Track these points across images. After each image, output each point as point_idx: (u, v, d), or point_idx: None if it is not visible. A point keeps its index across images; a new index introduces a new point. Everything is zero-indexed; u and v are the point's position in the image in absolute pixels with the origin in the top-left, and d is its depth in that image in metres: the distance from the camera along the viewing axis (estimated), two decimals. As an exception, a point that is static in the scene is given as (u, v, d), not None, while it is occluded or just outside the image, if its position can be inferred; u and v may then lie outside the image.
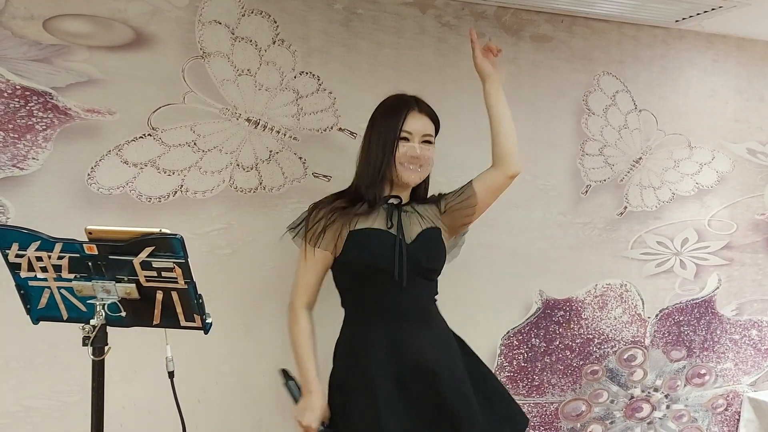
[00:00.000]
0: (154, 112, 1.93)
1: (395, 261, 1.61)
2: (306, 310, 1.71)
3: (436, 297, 1.78)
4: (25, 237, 1.18)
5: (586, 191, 2.49)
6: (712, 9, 2.28)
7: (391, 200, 1.71)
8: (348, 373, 1.68)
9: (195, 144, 1.98)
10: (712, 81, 2.63)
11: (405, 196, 1.74)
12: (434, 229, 1.73)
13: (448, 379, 1.65)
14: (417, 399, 1.62)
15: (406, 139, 1.66)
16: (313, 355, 1.67)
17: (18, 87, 1.80)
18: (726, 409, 2.83)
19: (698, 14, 2.34)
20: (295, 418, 1.63)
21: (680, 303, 2.68)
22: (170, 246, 1.16)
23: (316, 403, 1.62)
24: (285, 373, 1.69)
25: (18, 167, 1.82)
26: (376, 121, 1.70)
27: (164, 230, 1.16)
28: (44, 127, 1.83)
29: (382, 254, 1.62)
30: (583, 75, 2.44)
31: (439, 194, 1.83)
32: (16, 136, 1.81)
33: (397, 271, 1.61)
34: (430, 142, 1.70)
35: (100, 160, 1.89)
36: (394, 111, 1.68)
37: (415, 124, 1.67)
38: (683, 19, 2.41)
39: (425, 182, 1.79)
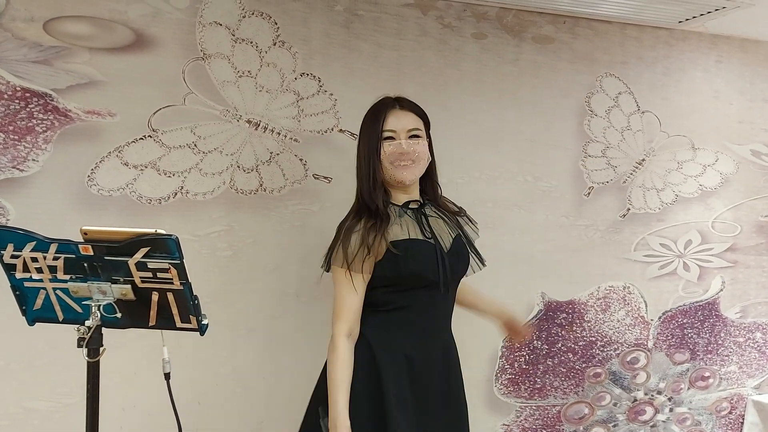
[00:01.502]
0: (154, 113, 1.93)
1: (440, 271, 1.61)
2: (347, 339, 1.59)
3: None
4: (21, 238, 1.18)
5: (589, 193, 2.48)
6: (716, 10, 2.27)
7: (411, 205, 1.67)
8: (390, 380, 1.61)
9: (195, 145, 1.98)
10: (715, 82, 2.62)
11: (417, 195, 1.70)
12: (459, 236, 1.72)
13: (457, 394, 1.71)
14: (436, 412, 1.65)
15: (392, 138, 1.62)
16: (346, 389, 1.55)
17: (18, 89, 1.81)
18: (730, 413, 2.80)
19: (701, 15, 2.33)
20: None
21: (684, 305, 2.66)
22: (165, 246, 1.16)
23: None
24: (323, 411, 1.58)
25: (18, 169, 1.82)
26: (362, 131, 1.68)
27: (159, 231, 1.16)
28: (44, 128, 1.84)
29: (427, 265, 1.60)
30: (585, 76, 2.43)
31: (461, 209, 1.82)
32: (17, 137, 1.81)
33: (442, 282, 1.61)
34: (418, 136, 1.64)
35: (100, 162, 1.89)
36: (374, 115, 1.65)
37: (397, 121, 1.63)
38: (686, 20, 2.40)
39: (433, 181, 1.74)
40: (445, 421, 1.65)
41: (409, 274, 1.59)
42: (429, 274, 1.60)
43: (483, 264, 1.78)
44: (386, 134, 1.63)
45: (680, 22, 2.43)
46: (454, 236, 1.69)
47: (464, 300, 1.85)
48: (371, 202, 1.62)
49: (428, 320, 1.66)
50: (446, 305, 1.71)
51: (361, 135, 1.68)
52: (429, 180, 1.74)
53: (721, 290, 2.71)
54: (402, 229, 1.62)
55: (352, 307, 1.59)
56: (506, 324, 1.90)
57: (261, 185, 2.07)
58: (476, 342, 2.37)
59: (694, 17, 2.36)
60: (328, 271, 1.66)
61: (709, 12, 2.30)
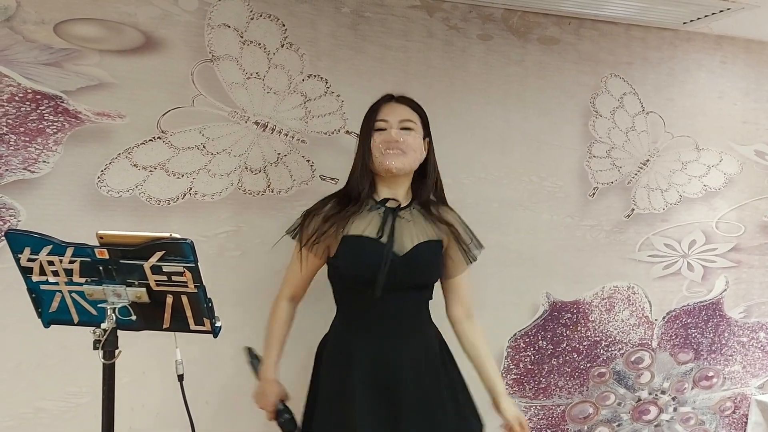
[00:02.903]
0: (163, 115, 1.95)
1: (380, 274, 1.57)
2: (288, 301, 1.75)
3: (428, 303, 1.75)
4: (37, 241, 1.19)
5: (594, 193, 2.49)
6: (720, 11, 2.27)
7: (389, 203, 1.66)
8: (326, 375, 1.70)
9: (204, 147, 2.00)
10: (720, 83, 2.63)
11: (402, 195, 1.68)
12: (431, 242, 1.66)
13: (413, 397, 1.63)
14: (387, 413, 1.61)
15: (383, 129, 1.64)
16: (280, 346, 1.73)
17: (29, 91, 1.82)
18: (734, 412, 2.82)
19: (706, 16, 2.34)
20: (253, 399, 1.73)
21: (688, 305, 2.67)
22: (181, 250, 1.17)
23: (270, 389, 1.68)
24: (249, 352, 1.76)
25: (29, 170, 1.83)
26: (361, 125, 1.72)
27: (174, 235, 1.17)
28: (55, 130, 1.85)
29: (369, 265, 1.58)
30: (590, 77, 2.44)
31: (451, 209, 1.78)
32: (27, 139, 1.83)
33: (379, 286, 1.57)
34: (410, 128, 1.65)
35: (109, 163, 1.91)
36: (371, 109, 1.70)
37: (389, 112, 1.66)
38: (691, 21, 2.40)
39: (428, 183, 1.72)
40: (411, 422, 1.61)
41: (346, 268, 1.62)
42: (364, 273, 1.59)
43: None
44: (378, 125, 1.65)
45: (685, 23, 2.44)
46: (419, 242, 1.64)
47: (468, 352, 1.79)
48: (354, 189, 1.65)
49: (369, 320, 1.64)
50: (404, 307, 1.66)
51: (360, 130, 1.72)
52: (422, 181, 1.72)
53: (725, 290, 2.73)
54: (362, 225, 1.63)
55: (297, 277, 1.73)
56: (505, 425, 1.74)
57: (269, 186, 2.08)
58: (482, 342, 2.38)
59: (699, 18, 2.37)
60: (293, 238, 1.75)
61: (714, 13, 2.30)
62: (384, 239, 1.60)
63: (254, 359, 1.75)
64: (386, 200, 1.67)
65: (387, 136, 1.62)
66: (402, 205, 1.68)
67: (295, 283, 1.75)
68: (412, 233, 1.65)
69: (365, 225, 1.63)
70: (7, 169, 1.81)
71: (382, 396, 1.61)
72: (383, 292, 1.58)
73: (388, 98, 1.70)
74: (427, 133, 1.72)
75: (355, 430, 1.57)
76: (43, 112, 1.84)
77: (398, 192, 1.69)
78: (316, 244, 1.64)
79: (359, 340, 1.65)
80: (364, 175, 1.65)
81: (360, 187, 1.64)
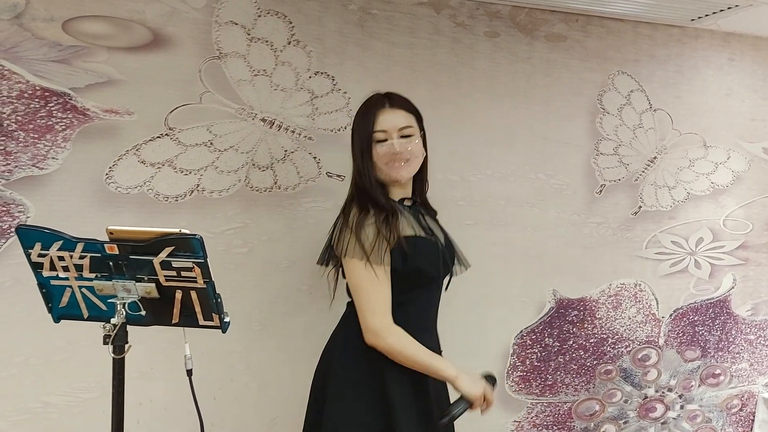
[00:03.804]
0: (171, 112, 1.95)
1: (441, 268, 1.65)
2: (395, 326, 1.57)
3: None
4: (48, 237, 1.20)
5: (601, 191, 2.49)
6: (728, 8, 2.27)
7: (406, 202, 1.69)
8: (397, 382, 1.61)
9: (211, 144, 2.00)
10: (728, 80, 2.62)
11: (409, 192, 1.71)
12: (447, 234, 1.76)
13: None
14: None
15: (384, 140, 1.61)
16: (433, 354, 1.60)
17: (38, 88, 1.83)
18: (741, 410, 2.81)
19: (714, 13, 2.33)
20: (471, 398, 1.58)
21: (695, 303, 2.67)
22: (190, 246, 1.18)
23: (470, 376, 1.60)
24: (447, 418, 1.60)
25: (38, 167, 1.84)
26: (354, 128, 1.67)
27: (184, 230, 1.18)
28: (63, 127, 1.86)
29: (431, 261, 1.63)
30: (597, 74, 2.44)
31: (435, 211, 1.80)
32: (36, 136, 1.84)
33: (444, 280, 1.67)
34: (410, 135, 1.62)
35: (118, 160, 1.91)
36: (364, 114, 1.64)
37: (387, 120, 1.61)
38: (699, 18, 2.40)
39: (425, 180, 1.74)
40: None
41: (414, 270, 1.60)
42: (432, 270, 1.63)
43: (466, 266, 1.80)
44: (377, 136, 1.61)
45: (693, 20, 2.43)
46: (444, 233, 1.74)
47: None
48: (380, 200, 1.62)
49: (424, 317, 1.69)
50: (436, 306, 1.74)
51: (353, 132, 1.67)
52: (421, 178, 1.73)
53: (733, 288, 2.72)
54: (406, 225, 1.62)
55: (384, 296, 1.55)
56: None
57: (275, 183, 2.09)
58: (487, 339, 2.39)
59: (707, 15, 2.36)
60: (325, 265, 1.71)
61: (721, 10, 2.30)
62: (432, 236, 1.66)
63: (457, 406, 1.60)
64: (403, 199, 1.69)
65: (390, 149, 1.60)
66: (414, 202, 1.72)
67: (387, 303, 1.56)
68: (436, 227, 1.72)
69: (409, 225, 1.63)
70: (16, 166, 1.82)
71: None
72: (440, 286, 1.67)
73: (381, 103, 1.64)
74: (420, 128, 1.70)
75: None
76: (52, 109, 1.85)
77: (407, 190, 1.71)
78: (387, 248, 1.56)
79: (423, 338, 1.63)
80: (375, 185, 1.63)
81: (377, 198, 1.62)
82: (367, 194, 1.61)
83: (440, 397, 1.69)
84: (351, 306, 1.67)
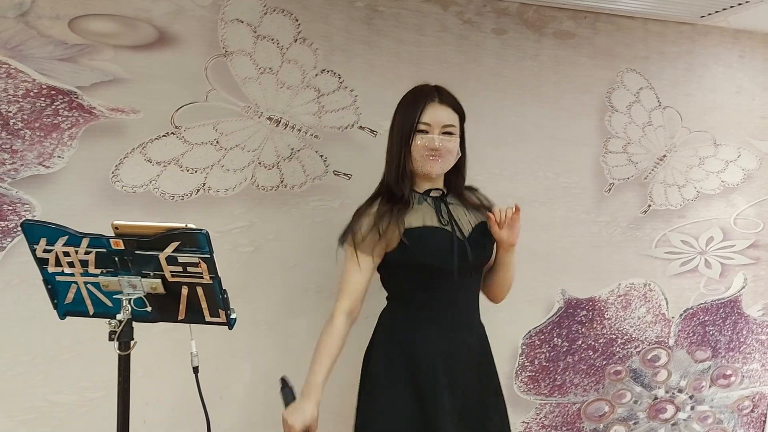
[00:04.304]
0: (177, 110, 1.95)
1: (455, 259, 1.61)
2: (345, 316, 1.62)
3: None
4: (53, 232, 1.19)
5: (610, 189, 2.46)
6: (739, 4, 2.24)
7: (433, 193, 1.68)
8: (383, 371, 1.65)
9: (217, 142, 1.99)
10: (738, 77, 2.59)
11: (441, 185, 1.71)
12: (483, 223, 1.71)
13: (476, 393, 1.68)
14: (464, 405, 1.64)
15: (425, 132, 1.62)
16: (330, 362, 1.58)
17: (44, 86, 1.82)
18: (752, 411, 2.78)
19: (724, 9, 2.30)
20: (282, 415, 1.55)
21: (705, 303, 2.64)
22: (196, 241, 1.16)
23: (309, 410, 1.52)
24: (283, 381, 1.61)
25: (44, 165, 1.84)
26: (397, 114, 1.68)
27: (190, 225, 1.17)
28: (69, 125, 1.85)
29: (441, 253, 1.61)
30: (606, 72, 2.41)
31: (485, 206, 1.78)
32: (42, 134, 1.83)
33: (457, 270, 1.61)
34: (451, 134, 1.64)
35: (124, 159, 1.91)
36: (412, 103, 1.65)
37: (434, 115, 1.62)
38: (709, 14, 2.37)
39: (461, 174, 1.74)
40: (474, 414, 1.64)
41: (419, 263, 1.60)
42: (440, 263, 1.61)
43: (483, 261, 1.75)
44: (421, 126, 1.62)
45: (702, 17, 2.41)
46: (475, 223, 1.70)
47: (488, 283, 1.80)
48: (397, 189, 1.64)
49: (434, 309, 1.66)
50: (468, 295, 1.70)
51: (395, 120, 1.68)
52: (457, 172, 1.73)
53: (744, 287, 2.69)
54: (418, 217, 1.63)
55: (356, 285, 1.62)
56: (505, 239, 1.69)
57: (282, 181, 2.08)
58: (496, 339, 2.34)
59: (717, 12, 2.34)
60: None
61: (731, 6, 2.27)
62: (448, 226, 1.64)
63: (287, 389, 1.59)
64: (429, 191, 1.69)
65: (430, 142, 1.61)
66: (445, 193, 1.71)
67: (353, 293, 1.63)
68: (466, 216, 1.70)
69: (421, 218, 1.64)
70: (22, 164, 1.82)
71: (449, 390, 1.63)
72: (454, 277, 1.61)
73: (431, 94, 1.65)
74: (461, 127, 1.71)
75: (434, 428, 1.57)
76: (58, 107, 1.84)
77: (437, 183, 1.71)
78: (378, 240, 1.60)
79: (426, 333, 1.64)
80: (405, 175, 1.64)
81: (403, 189, 1.64)
82: (392, 185, 1.64)
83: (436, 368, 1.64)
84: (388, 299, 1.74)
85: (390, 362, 1.64)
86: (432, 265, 1.61)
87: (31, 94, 1.81)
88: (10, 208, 1.82)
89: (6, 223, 1.82)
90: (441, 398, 1.59)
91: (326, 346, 1.59)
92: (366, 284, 1.64)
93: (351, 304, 1.63)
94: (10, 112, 1.80)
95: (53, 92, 1.83)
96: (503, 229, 1.65)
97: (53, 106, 1.84)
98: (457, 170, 1.72)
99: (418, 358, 1.62)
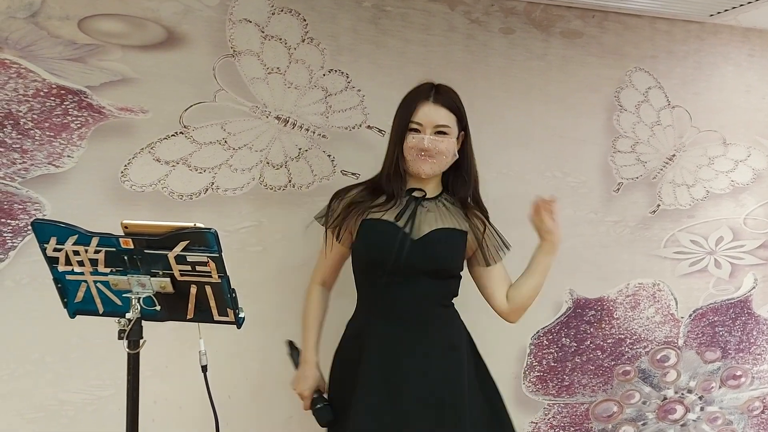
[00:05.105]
0: (185, 110, 1.95)
1: (392, 256, 1.59)
2: (320, 286, 1.80)
3: (451, 299, 1.74)
4: (63, 231, 1.20)
5: (618, 189, 2.45)
6: (748, 2, 2.23)
7: (415, 193, 1.69)
8: (341, 363, 1.74)
9: (226, 142, 2.00)
10: (747, 76, 2.58)
11: (431, 188, 1.71)
12: (452, 230, 1.67)
13: (418, 392, 1.61)
14: (387, 404, 1.59)
15: (417, 131, 1.63)
16: (317, 328, 1.76)
17: (54, 86, 1.83)
18: (762, 412, 2.76)
19: (733, 8, 2.29)
20: (290, 385, 1.75)
21: (715, 303, 2.62)
22: (205, 240, 1.17)
23: (309, 373, 1.71)
24: (290, 344, 1.81)
25: (54, 165, 1.85)
26: (396, 113, 1.70)
27: (199, 224, 1.17)
28: (79, 125, 1.86)
29: (383, 247, 1.61)
30: (614, 71, 2.41)
31: (485, 214, 1.78)
32: (52, 134, 1.84)
33: (387, 266, 1.59)
34: (444, 134, 1.64)
35: (133, 158, 1.92)
36: (408, 102, 1.66)
37: (426, 115, 1.62)
38: (718, 13, 2.36)
39: (461, 177, 1.72)
40: (414, 416, 1.59)
41: (362, 251, 1.66)
42: (377, 256, 1.61)
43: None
44: (412, 126, 1.63)
45: (711, 15, 2.39)
46: (439, 227, 1.65)
47: (517, 293, 1.76)
48: (389, 186, 1.66)
49: (384, 303, 1.65)
50: (418, 299, 1.64)
51: (394, 118, 1.70)
52: (456, 175, 1.72)
53: (754, 288, 2.67)
54: (382, 211, 1.65)
55: (327, 263, 1.78)
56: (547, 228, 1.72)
57: (290, 181, 2.08)
58: (504, 339, 2.36)
59: (726, 10, 2.32)
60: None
61: (741, 5, 2.26)
62: (401, 223, 1.63)
63: (294, 351, 1.79)
64: (413, 190, 1.69)
65: (420, 142, 1.62)
66: (428, 196, 1.70)
67: (323, 268, 1.80)
68: (431, 220, 1.67)
69: (384, 212, 1.66)
70: (32, 164, 1.83)
71: (385, 385, 1.61)
72: (395, 275, 1.60)
73: (426, 94, 1.65)
74: (462, 127, 1.70)
75: (354, 418, 1.59)
76: (68, 107, 1.85)
77: (429, 185, 1.71)
78: (337, 227, 1.68)
79: (372, 325, 1.66)
80: (397, 174, 1.66)
81: (394, 187, 1.66)
82: (383, 182, 1.67)
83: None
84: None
85: (343, 351, 1.75)
86: (369, 259, 1.64)
87: (41, 93, 1.83)
88: (21, 207, 1.83)
89: (17, 222, 1.83)
90: (365, 390, 1.60)
91: (308, 313, 1.78)
92: (333, 262, 1.78)
93: (322, 277, 1.80)
94: (21, 111, 1.81)
95: (63, 92, 1.84)
96: (546, 219, 1.67)
97: (63, 106, 1.85)
98: (457, 173, 1.71)
99: (361, 347, 1.65)
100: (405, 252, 1.60)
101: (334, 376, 1.77)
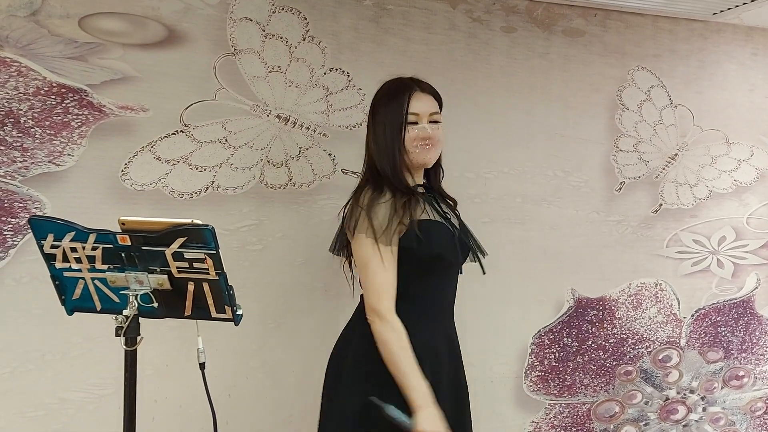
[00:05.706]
0: (186, 108, 1.95)
1: (456, 252, 1.63)
2: (396, 315, 1.52)
3: None
4: (61, 228, 1.20)
5: (620, 188, 2.45)
6: (752, 1, 2.22)
7: (419, 188, 1.67)
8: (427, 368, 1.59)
9: (226, 140, 2.00)
10: (750, 75, 2.56)
11: (421, 179, 1.71)
12: (463, 222, 1.74)
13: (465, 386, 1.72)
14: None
15: (414, 123, 1.61)
16: (416, 362, 1.49)
17: (54, 84, 1.84)
18: (765, 413, 2.74)
19: (736, 6, 2.28)
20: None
21: (717, 303, 2.61)
22: (202, 237, 1.17)
23: (437, 414, 1.46)
24: (378, 404, 1.46)
25: (54, 163, 1.85)
26: (378, 109, 1.64)
27: (196, 221, 1.17)
28: (79, 123, 1.87)
29: (447, 246, 1.62)
30: (616, 70, 2.40)
31: (456, 203, 1.79)
32: (53, 132, 1.84)
33: (461, 265, 1.65)
34: (438, 121, 1.64)
35: (133, 157, 1.92)
36: (396, 96, 1.62)
37: (421, 104, 1.61)
38: (721, 11, 2.35)
39: (440, 167, 1.74)
40: (452, 412, 1.59)
41: (428, 254, 1.57)
42: (449, 255, 1.62)
43: (483, 252, 1.74)
44: (410, 117, 1.60)
45: (714, 14, 2.38)
46: (460, 221, 1.72)
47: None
48: (401, 185, 1.59)
49: (438, 306, 1.66)
50: (453, 292, 1.70)
51: (377, 117, 1.63)
52: (436, 165, 1.72)
53: (756, 288, 2.65)
54: (423, 210, 1.62)
55: (388, 281, 1.52)
56: None
57: (290, 180, 2.08)
58: (506, 338, 2.36)
59: (729, 9, 2.32)
60: (336, 254, 1.72)
61: (744, 3, 2.25)
62: (447, 223, 1.65)
63: (389, 408, 1.45)
64: (416, 186, 1.67)
65: (422, 131, 1.60)
66: (428, 188, 1.72)
67: (391, 287, 1.53)
68: (451, 213, 1.71)
69: (421, 209, 1.62)
70: (32, 162, 1.83)
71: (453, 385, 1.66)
72: (453, 272, 1.65)
73: (411, 86, 1.63)
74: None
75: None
76: (68, 105, 1.85)
77: (420, 177, 1.71)
78: (395, 231, 1.53)
79: (436, 327, 1.63)
80: (403, 167, 1.62)
81: (405, 181, 1.62)
82: (387, 177, 1.58)
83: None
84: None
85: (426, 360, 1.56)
86: (442, 258, 1.60)
87: (42, 92, 1.83)
88: (21, 205, 1.83)
89: (17, 220, 1.83)
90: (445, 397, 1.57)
91: (407, 353, 1.49)
92: (395, 278, 1.54)
93: (391, 296, 1.53)
94: (21, 110, 1.81)
95: (63, 90, 1.85)
96: None
97: (63, 104, 1.85)
98: (437, 162, 1.72)
99: (424, 356, 1.55)
100: (465, 247, 1.67)
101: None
